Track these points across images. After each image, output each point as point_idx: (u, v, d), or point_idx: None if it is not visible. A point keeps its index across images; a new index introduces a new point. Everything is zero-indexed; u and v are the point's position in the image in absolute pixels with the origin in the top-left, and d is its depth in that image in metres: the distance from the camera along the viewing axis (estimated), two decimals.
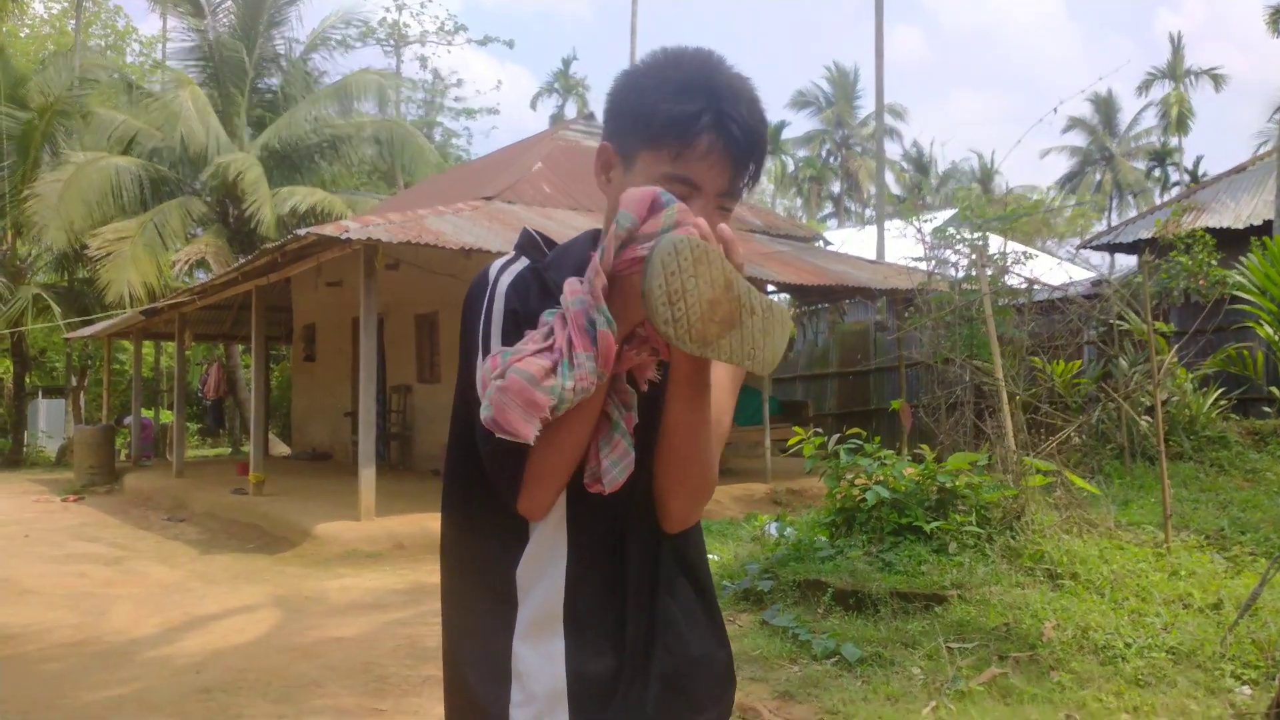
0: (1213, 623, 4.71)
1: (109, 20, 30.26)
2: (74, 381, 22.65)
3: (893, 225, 16.36)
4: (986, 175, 41.38)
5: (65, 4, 29.07)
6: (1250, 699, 4.04)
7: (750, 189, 1.36)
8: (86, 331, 17.91)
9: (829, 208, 48.29)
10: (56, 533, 10.40)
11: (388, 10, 35.19)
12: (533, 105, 45.87)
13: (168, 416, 21.25)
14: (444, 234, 9.52)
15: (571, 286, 1.22)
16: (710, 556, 7.16)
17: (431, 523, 8.97)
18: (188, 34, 20.72)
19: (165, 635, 5.94)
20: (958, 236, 8.93)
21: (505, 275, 1.35)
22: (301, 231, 9.22)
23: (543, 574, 1.32)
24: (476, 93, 64.46)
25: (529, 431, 1.17)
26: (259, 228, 18.24)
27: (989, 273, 9.08)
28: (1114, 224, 22.87)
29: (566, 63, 44.34)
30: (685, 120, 1.25)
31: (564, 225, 11.09)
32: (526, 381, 1.16)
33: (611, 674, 1.31)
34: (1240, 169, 15.99)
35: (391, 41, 35.09)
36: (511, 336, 1.27)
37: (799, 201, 46.90)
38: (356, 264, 9.61)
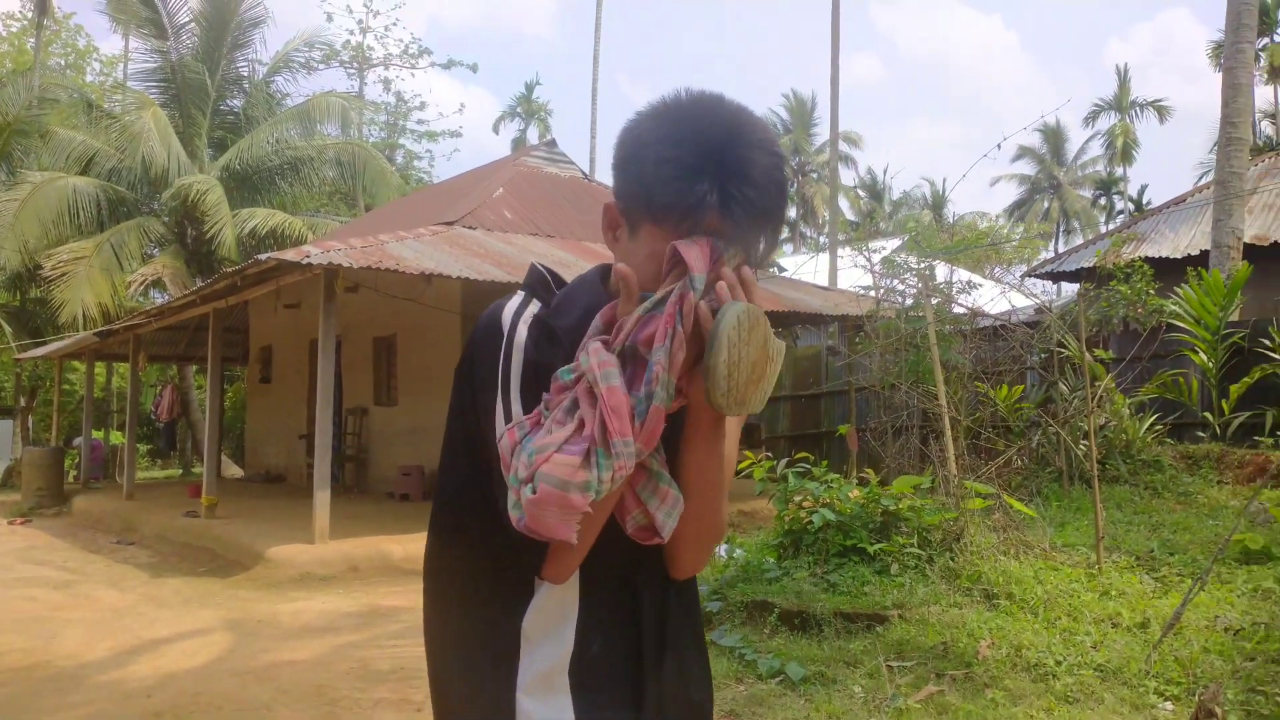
0: (1139, 641, 4.91)
1: (69, 39, 30.04)
2: (23, 402, 22.30)
3: (845, 252, 16.69)
4: (938, 202, 42.20)
5: (24, 23, 28.81)
6: (1172, 714, 4.24)
7: (767, 257, 1.28)
8: (38, 352, 17.70)
9: (785, 233, 48.87)
10: (4, 556, 10.29)
11: (351, 33, 35.41)
12: (495, 129, 46.14)
13: (118, 438, 20.98)
14: (405, 259, 9.61)
15: (600, 357, 1.13)
16: None
17: (387, 545, 9.01)
18: (150, 55, 20.67)
19: (116, 659, 5.94)
20: (905, 265, 9.19)
21: (521, 324, 1.28)
22: (263, 256, 9.26)
23: (552, 628, 1.28)
24: (439, 115, 64.68)
25: (568, 534, 1.11)
26: (219, 249, 18.19)
27: (935, 301, 9.37)
28: (1061, 250, 23.49)
29: (529, 87, 44.67)
30: (686, 206, 1.17)
31: (524, 251, 11.22)
32: (559, 489, 1.08)
33: None
34: (1179, 201, 16.54)
35: (355, 64, 35.16)
36: (531, 392, 1.22)
37: None
38: (316, 287, 9.67)
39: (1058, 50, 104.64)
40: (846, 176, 45.15)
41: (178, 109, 20.30)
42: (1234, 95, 12.35)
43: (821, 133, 46.50)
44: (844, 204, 44.31)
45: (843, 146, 44.87)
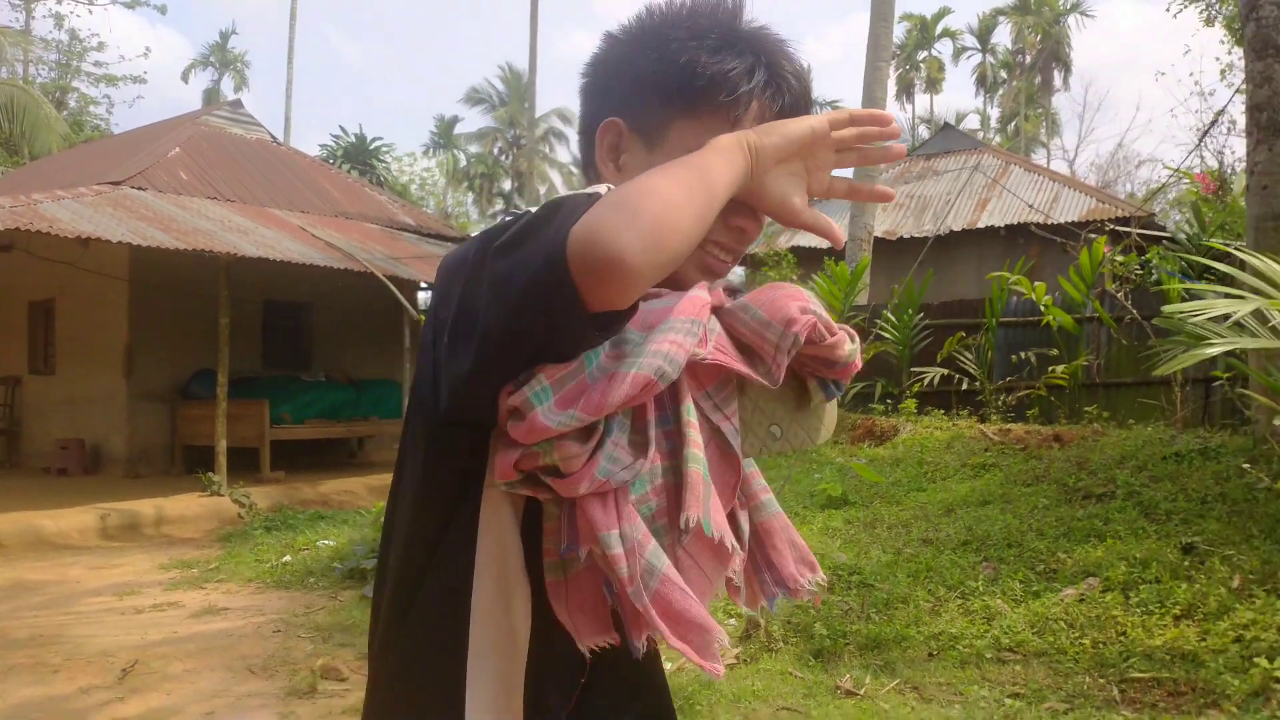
0: None
1: None
2: None
3: None
4: None
5: None
6: (733, 627, 5.18)
7: None
8: None
9: (500, 204, 49.29)
10: None
11: None
12: (185, 77, 43.13)
13: None
14: (60, 221, 9.14)
15: None
16: (327, 542, 7.62)
17: (39, 520, 8.66)
18: None
19: None
20: None
21: None
22: None
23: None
24: (121, 58, 59.15)
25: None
26: None
27: None
28: None
29: (225, 35, 42.14)
30: (736, 79, 1.00)
31: (198, 215, 10.92)
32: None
33: None
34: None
35: None
36: None
37: (470, 197, 47.48)
38: None
39: None
40: (563, 154, 46.26)
41: None
42: (870, 108, 14.19)
43: (539, 106, 47.18)
44: (558, 181, 45.42)
45: (558, 124, 45.98)
